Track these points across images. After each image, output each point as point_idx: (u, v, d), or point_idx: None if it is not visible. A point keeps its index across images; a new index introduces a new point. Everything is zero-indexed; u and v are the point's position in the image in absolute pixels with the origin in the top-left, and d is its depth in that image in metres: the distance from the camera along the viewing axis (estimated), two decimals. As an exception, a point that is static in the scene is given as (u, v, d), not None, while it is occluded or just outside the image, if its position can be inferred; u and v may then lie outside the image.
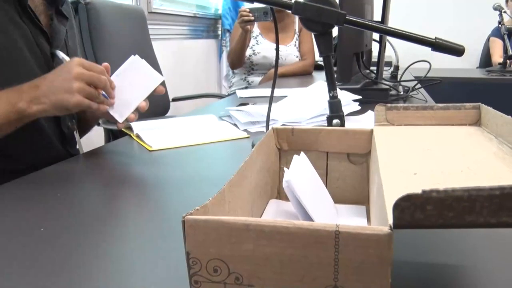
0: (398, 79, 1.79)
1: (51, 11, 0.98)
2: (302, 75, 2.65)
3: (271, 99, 0.89)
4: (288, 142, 0.60)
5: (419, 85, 1.69)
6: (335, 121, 0.84)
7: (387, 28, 0.82)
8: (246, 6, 2.42)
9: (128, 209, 0.63)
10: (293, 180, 0.47)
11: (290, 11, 0.82)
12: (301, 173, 0.51)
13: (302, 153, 0.56)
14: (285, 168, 0.54)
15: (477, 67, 4.06)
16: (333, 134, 0.59)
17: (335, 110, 0.84)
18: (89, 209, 0.63)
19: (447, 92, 2.30)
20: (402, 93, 1.58)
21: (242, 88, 2.71)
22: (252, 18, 2.36)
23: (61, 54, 0.93)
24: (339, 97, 0.83)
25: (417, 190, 0.28)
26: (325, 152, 0.60)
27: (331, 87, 0.84)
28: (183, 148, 0.93)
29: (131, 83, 0.92)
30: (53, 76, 0.83)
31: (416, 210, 0.27)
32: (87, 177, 0.80)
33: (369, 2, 1.71)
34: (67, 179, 0.77)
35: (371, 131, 0.58)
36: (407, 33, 0.80)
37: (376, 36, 1.72)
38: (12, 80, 0.83)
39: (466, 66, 3.99)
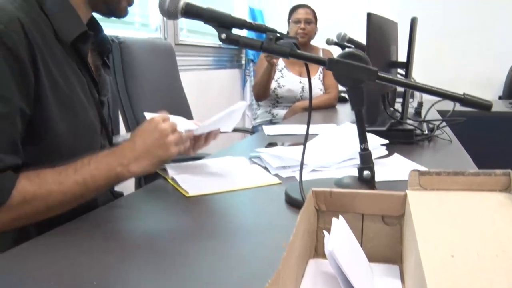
0: (423, 117, 1.82)
1: (100, 62, 1.04)
2: (326, 108, 2.68)
3: (304, 147, 0.92)
4: (326, 204, 0.64)
5: (443, 123, 1.71)
6: (365, 172, 0.88)
7: (418, 85, 0.86)
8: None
9: (175, 262, 0.67)
10: (335, 249, 0.50)
11: (324, 66, 0.88)
12: (341, 239, 0.54)
13: (340, 216, 0.59)
14: (325, 232, 0.57)
15: (499, 96, 4.05)
16: (368, 197, 0.63)
17: (366, 162, 0.88)
18: (134, 260, 0.67)
19: (471, 127, 2.30)
20: (426, 132, 1.61)
21: (267, 121, 2.76)
22: (278, 52, 2.41)
23: (149, 115, 1.03)
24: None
25: (457, 278, 0.31)
26: (360, 214, 0.63)
27: (362, 140, 0.88)
28: (218, 195, 0.97)
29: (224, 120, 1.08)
30: (144, 137, 0.91)
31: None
32: (129, 222, 0.84)
33: (394, 43, 1.76)
34: (108, 225, 0.82)
35: (405, 195, 0.61)
36: (437, 90, 0.84)
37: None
38: (75, 127, 0.91)
39: (488, 95, 3.97)
